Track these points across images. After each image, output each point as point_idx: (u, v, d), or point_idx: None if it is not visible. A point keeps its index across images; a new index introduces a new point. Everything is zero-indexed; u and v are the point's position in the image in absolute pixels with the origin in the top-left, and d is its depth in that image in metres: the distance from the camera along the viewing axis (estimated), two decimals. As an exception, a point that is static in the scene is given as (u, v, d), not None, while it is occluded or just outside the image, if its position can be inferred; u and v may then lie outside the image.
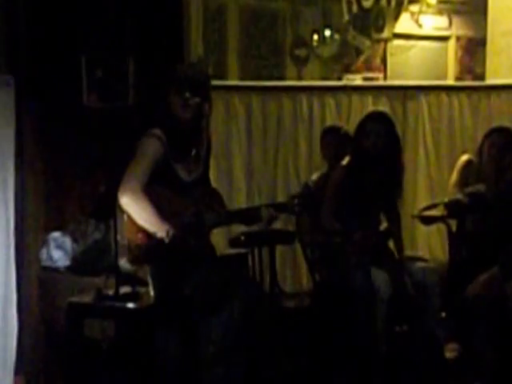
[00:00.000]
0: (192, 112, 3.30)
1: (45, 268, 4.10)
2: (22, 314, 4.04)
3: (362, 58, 8.85)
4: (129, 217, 3.19)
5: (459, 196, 4.33)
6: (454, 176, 4.54)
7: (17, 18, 4.07)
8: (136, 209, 3.16)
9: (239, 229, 4.26)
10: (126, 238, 3.22)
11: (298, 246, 4.74)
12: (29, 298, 4.09)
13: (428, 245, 5.47)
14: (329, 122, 5.21)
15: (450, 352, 4.17)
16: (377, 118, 4.23)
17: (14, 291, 3.99)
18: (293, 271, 5.23)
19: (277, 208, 3.48)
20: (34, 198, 4.14)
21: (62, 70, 4.20)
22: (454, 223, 4.48)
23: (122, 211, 3.20)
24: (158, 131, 3.28)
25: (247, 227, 3.80)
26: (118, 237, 3.22)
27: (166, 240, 3.07)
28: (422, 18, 9.00)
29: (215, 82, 4.08)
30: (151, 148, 3.26)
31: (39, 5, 4.15)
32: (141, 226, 3.17)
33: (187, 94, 3.28)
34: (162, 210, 3.19)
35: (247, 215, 3.51)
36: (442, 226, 4.61)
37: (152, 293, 3.29)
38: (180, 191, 3.29)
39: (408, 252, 4.45)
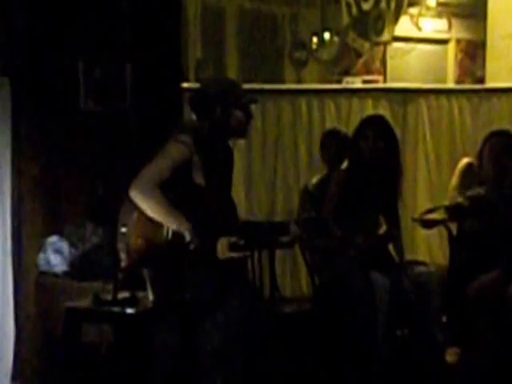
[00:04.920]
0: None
1: (42, 273, 4.08)
2: (19, 319, 4.03)
3: (361, 61, 8.83)
4: (132, 221, 3.16)
5: (460, 199, 4.32)
6: (455, 179, 4.53)
7: (14, 21, 4.06)
8: (147, 201, 3.09)
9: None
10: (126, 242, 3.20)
11: (297, 250, 4.72)
12: (26, 302, 4.08)
13: (428, 248, 5.44)
14: (328, 125, 5.18)
15: (451, 356, 4.16)
16: (374, 121, 4.22)
17: (11, 296, 3.98)
18: (292, 275, 5.21)
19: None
20: (31, 202, 4.12)
21: (59, 73, 4.19)
22: (454, 227, 4.46)
23: (132, 209, 3.14)
24: (187, 138, 3.20)
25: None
26: (123, 229, 3.17)
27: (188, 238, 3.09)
28: (422, 21, 8.97)
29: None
30: (176, 153, 3.18)
31: (37, 7, 4.14)
32: (140, 230, 3.15)
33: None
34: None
35: (276, 228, 3.52)
36: (442, 230, 4.59)
37: (150, 297, 3.27)
38: (194, 199, 3.22)
39: (408, 256, 4.43)
